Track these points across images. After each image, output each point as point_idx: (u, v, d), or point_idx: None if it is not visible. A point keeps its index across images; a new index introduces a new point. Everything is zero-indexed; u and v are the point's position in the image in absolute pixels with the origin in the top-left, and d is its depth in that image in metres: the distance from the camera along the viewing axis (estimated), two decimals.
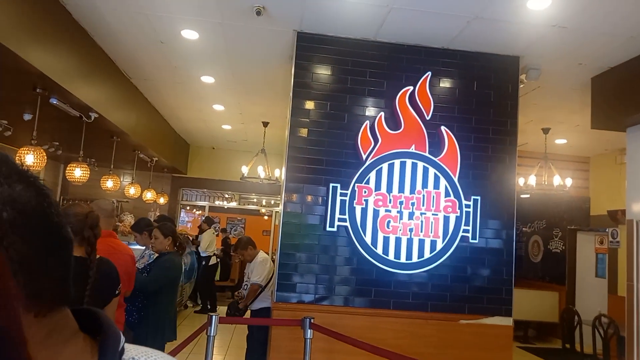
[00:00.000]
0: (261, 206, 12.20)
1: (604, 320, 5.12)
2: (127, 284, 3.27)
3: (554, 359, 6.91)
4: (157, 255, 4.09)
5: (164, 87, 6.35)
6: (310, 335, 3.45)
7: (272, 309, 4.08)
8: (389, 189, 4.12)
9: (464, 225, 4.14)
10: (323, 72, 4.23)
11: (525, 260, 9.33)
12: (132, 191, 8.00)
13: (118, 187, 7.33)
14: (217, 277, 9.68)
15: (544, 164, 6.91)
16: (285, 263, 4.02)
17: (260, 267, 5.06)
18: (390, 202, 4.10)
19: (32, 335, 0.52)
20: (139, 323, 3.57)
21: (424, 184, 4.15)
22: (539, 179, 6.87)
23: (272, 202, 11.58)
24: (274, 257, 4.73)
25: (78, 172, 5.62)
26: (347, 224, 4.05)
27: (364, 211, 4.08)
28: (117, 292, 2.61)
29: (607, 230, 7.62)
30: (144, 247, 4.72)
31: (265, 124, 7.70)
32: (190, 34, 4.48)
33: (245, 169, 8.01)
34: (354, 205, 4.07)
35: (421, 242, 4.10)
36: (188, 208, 13.03)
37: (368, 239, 4.05)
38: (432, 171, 4.17)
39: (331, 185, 4.08)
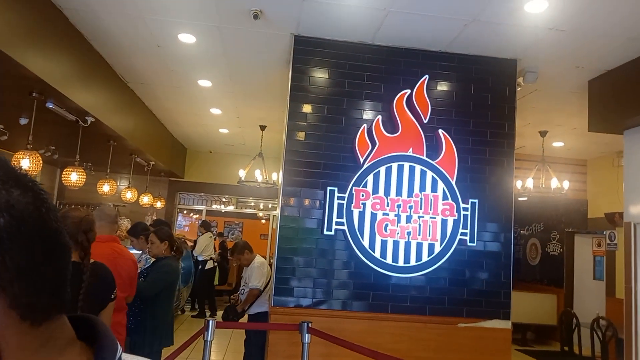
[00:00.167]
0: (259, 210, 12.17)
1: (602, 323, 5.12)
2: (130, 288, 3.29)
3: None
4: (154, 259, 4.07)
5: (161, 91, 6.33)
6: (308, 339, 3.43)
7: (270, 313, 4.06)
8: (387, 192, 4.11)
9: (462, 229, 4.14)
10: (320, 75, 4.23)
11: (524, 263, 9.33)
12: (129, 195, 7.97)
13: (115, 192, 7.30)
14: (217, 282, 9.61)
15: (541, 166, 6.91)
16: (282, 267, 4.00)
17: (258, 272, 5.04)
18: (388, 206, 4.09)
19: (26, 345, 0.51)
20: (135, 328, 3.54)
21: (422, 187, 4.14)
22: (537, 182, 6.87)
23: (270, 205, 11.56)
24: (271, 261, 4.71)
25: (74, 177, 5.60)
26: (345, 227, 4.04)
27: (362, 215, 4.07)
28: (112, 296, 2.59)
29: (604, 233, 7.62)
30: (140, 252, 4.69)
31: (263, 128, 7.69)
32: (187, 38, 4.47)
33: (242, 173, 7.99)
34: (352, 208, 4.06)
35: (419, 246, 4.09)
36: (185, 212, 12.99)
37: (366, 242, 4.04)
38: (429, 174, 4.16)
39: (329, 188, 4.07)
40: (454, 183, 4.17)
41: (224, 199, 11.75)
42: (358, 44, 4.25)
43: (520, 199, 6.93)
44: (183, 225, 13.57)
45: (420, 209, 4.12)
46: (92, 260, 2.49)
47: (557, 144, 7.40)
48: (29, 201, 0.52)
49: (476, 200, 4.19)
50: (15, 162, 4.37)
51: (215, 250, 9.83)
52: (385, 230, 4.06)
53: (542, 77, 4.67)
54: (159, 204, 9.53)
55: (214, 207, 11.77)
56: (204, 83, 5.79)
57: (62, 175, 5.84)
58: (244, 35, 4.32)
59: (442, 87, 4.34)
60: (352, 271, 4.04)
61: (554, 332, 8.23)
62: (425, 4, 3.60)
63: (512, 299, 4.20)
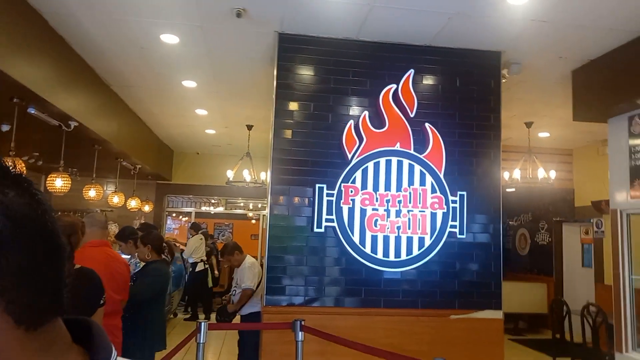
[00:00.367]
0: (248, 210, 12.13)
1: (592, 309, 5.18)
2: (125, 292, 3.37)
3: (545, 349, 6.97)
4: (143, 264, 4.04)
5: (145, 93, 6.27)
6: (301, 337, 3.42)
7: (263, 313, 4.04)
8: (376, 187, 4.11)
9: (451, 221, 4.15)
10: (306, 72, 4.21)
11: (513, 254, 9.42)
12: (116, 200, 7.90)
13: (101, 196, 7.22)
14: (211, 284, 9.52)
15: (528, 157, 6.97)
16: (274, 266, 3.98)
17: (250, 272, 5.02)
18: (377, 201, 4.09)
19: (22, 350, 0.49)
20: (126, 333, 3.50)
21: (410, 181, 4.15)
22: (524, 173, 6.93)
23: (260, 205, 11.52)
24: (262, 261, 4.69)
25: (59, 183, 5.52)
26: (335, 224, 4.03)
27: (351, 211, 4.07)
28: (102, 302, 2.56)
29: (591, 221, 7.71)
30: (129, 256, 4.65)
31: (250, 127, 7.65)
32: (170, 38, 4.42)
33: (230, 173, 7.95)
34: (341, 205, 4.06)
35: (409, 240, 4.09)
36: (174, 215, 12.90)
37: (356, 238, 4.04)
38: (417, 168, 4.17)
39: (317, 186, 4.06)
40: (442, 176, 4.19)
41: (213, 201, 11.69)
42: (343, 40, 4.24)
43: (508, 190, 6.99)
44: (172, 228, 13.48)
45: (410, 203, 4.12)
46: (79, 266, 2.46)
47: (543, 135, 7.46)
48: (26, 202, 0.51)
49: (464, 193, 4.20)
50: None
51: (214, 257, 9.72)
52: (375, 226, 4.06)
53: (526, 69, 4.71)
54: (147, 208, 9.45)
55: (203, 208, 11.71)
56: (189, 84, 5.75)
57: (47, 182, 5.75)
58: (228, 34, 4.28)
59: (428, 81, 4.35)
60: (343, 267, 4.04)
61: (545, 320, 8.32)
62: None
63: (503, 289, 4.23)
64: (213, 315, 8.22)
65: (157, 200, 10.35)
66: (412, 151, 4.18)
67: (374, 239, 4.06)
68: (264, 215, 11.17)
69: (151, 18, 4.05)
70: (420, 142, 4.22)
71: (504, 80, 4.56)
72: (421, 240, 4.11)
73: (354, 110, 4.22)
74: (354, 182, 4.09)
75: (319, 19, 3.95)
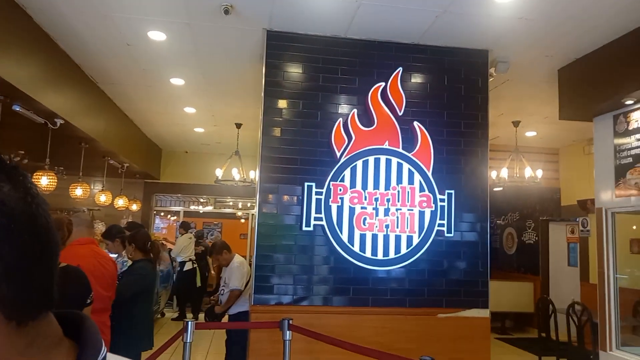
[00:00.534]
0: (237, 209, 12.07)
1: (578, 308, 5.22)
2: (113, 289, 3.40)
3: (531, 348, 7.03)
4: (130, 263, 4.01)
5: (133, 91, 6.21)
6: (289, 336, 3.42)
7: (251, 312, 4.03)
8: (364, 186, 4.11)
9: (439, 220, 4.17)
10: (294, 70, 4.20)
11: (501, 253, 9.48)
12: (103, 199, 7.82)
13: (88, 195, 7.14)
14: (199, 283, 9.45)
15: (515, 156, 7.03)
16: (262, 265, 3.97)
17: (238, 272, 4.99)
18: (365, 199, 4.09)
19: (12, 345, 0.49)
20: (113, 331, 3.47)
21: (399, 180, 4.16)
22: (511, 172, 6.98)
23: (249, 204, 11.48)
24: (251, 260, 4.68)
25: (45, 181, 5.45)
26: (324, 222, 4.02)
27: (340, 209, 4.07)
28: (89, 301, 2.53)
29: (577, 220, 7.79)
30: (116, 255, 4.60)
31: (239, 126, 7.62)
32: (157, 35, 4.39)
33: (219, 172, 7.91)
34: (330, 203, 4.05)
35: (397, 238, 4.10)
36: (162, 214, 12.81)
37: (345, 237, 4.04)
38: (406, 167, 4.18)
39: (306, 184, 4.05)
40: (430, 175, 4.20)
41: (201, 200, 11.62)
42: (331, 37, 4.24)
43: (495, 189, 7.03)
44: (161, 227, 13.38)
45: (398, 201, 4.13)
46: (64, 264, 2.43)
47: (530, 134, 7.53)
48: (20, 196, 0.51)
49: (452, 191, 4.22)
50: None
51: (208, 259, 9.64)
52: (364, 224, 4.06)
53: (513, 67, 4.74)
54: (134, 207, 9.37)
55: (192, 207, 11.64)
56: (177, 81, 5.70)
57: (32, 180, 5.67)
58: (216, 31, 4.26)
59: (416, 79, 4.36)
60: (332, 266, 4.04)
61: (531, 319, 8.38)
62: None
63: (490, 288, 4.26)
64: (202, 315, 8.18)
65: (145, 199, 10.26)
66: (400, 149, 4.19)
67: (363, 237, 4.06)
68: (253, 214, 11.14)
69: (138, 14, 4.01)
70: (409, 140, 4.23)
71: (491, 79, 4.59)
72: (409, 239, 4.12)
73: (343, 109, 4.21)
74: (342, 180, 4.09)
75: (307, 16, 3.94)
